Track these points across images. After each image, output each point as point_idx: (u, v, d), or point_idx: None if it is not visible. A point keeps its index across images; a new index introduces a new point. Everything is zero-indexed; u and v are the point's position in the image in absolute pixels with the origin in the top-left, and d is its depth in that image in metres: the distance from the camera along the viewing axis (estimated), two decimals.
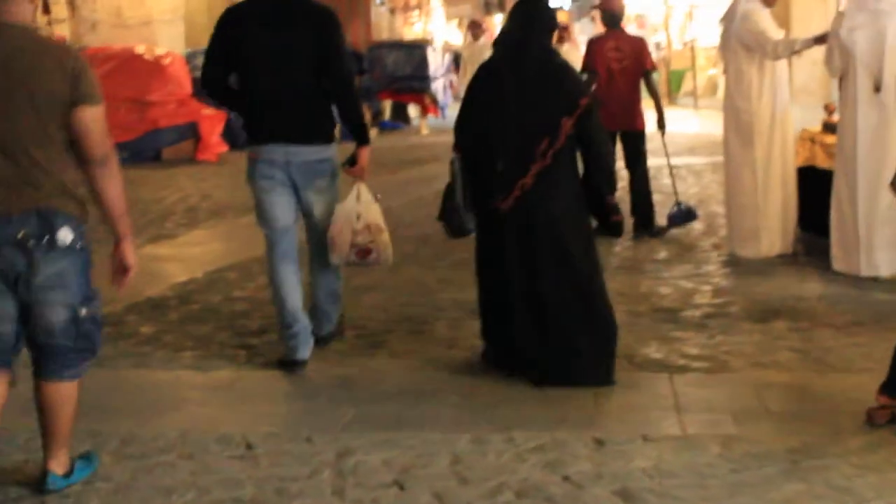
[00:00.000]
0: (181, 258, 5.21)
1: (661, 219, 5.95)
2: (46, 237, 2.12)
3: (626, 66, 5.19)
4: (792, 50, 4.48)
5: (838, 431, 2.54)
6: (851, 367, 3.10)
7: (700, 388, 2.96)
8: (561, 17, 10.16)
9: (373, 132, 3.24)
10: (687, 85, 16.38)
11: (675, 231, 5.41)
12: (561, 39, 6.63)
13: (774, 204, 4.68)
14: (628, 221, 5.19)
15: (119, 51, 9.83)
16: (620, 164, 5.24)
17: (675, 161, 8.76)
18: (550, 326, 2.93)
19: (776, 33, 4.53)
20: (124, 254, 2.25)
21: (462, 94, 9.95)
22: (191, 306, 4.08)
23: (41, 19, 9.73)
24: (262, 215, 3.20)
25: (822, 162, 4.90)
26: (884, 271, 4.12)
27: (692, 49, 16.20)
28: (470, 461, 2.45)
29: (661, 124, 5.41)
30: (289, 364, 3.19)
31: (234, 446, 2.58)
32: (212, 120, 9.70)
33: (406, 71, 12.12)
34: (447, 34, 19.28)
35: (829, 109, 5.09)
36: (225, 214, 6.55)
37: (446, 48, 15.77)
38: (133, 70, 9.39)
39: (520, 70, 2.93)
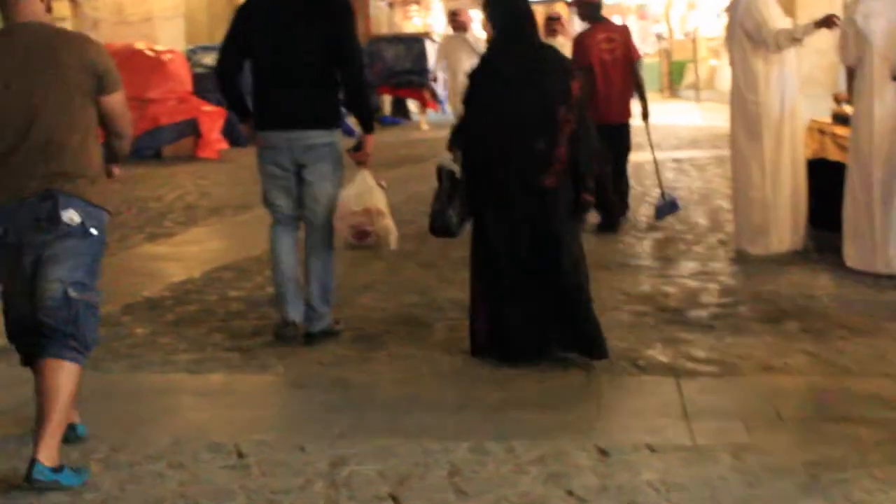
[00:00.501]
0: (179, 257, 5.12)
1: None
2: (55, 217, 2.27)
3: (617, 57, 5.12)
4: (793, 38, 4.35)
5: (858, 442, 2.43)
6: (868, 370, 2.99)
7: (709, 393, 2.85)
8: (559, 10, 9.95)
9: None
10: (689, 77, 16.21)
11: (678, 227, 5.31)
12: (554, 32, 6.47)
13: (783, 198, 4.56)
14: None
15: (119, 48, 9.73)
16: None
17: (678, 154, 8.74)
18: (560, 304, 3.01)
19: (781, 22, 4.40)
20: (113, 169, 2.50)
21: (439, 88, 9.55)
22: (187, 307, 4.00)
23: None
24: (268, 200, 3.36)
25: (832, 154, 4.77)
26: None
27: (694, 40, 16.02)
28: (468, 472, 2.35)
29: (645, 115, 5.31)
30: (281, 326, 3.36)
31: (225, 455, 2.49)
32: (212, 117, 9.62)
33: (405, 65, 12.00)
34: (446, 28, 19.13)
35: (838, 99, 4.96)
36: (224, 212, 6.47)
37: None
38: (133, 67, 9.28)
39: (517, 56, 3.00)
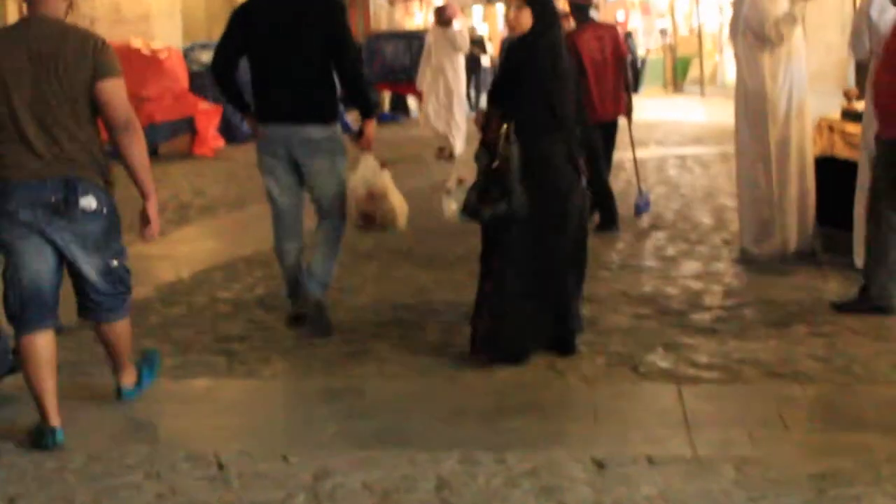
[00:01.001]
0: (169, 257, 5.01)
1: (665, 213, 5.70)
2: (73, 203, 2.44)
3: (607, 56, 5.09)
4: (792, 18, 4.19)
5: (869, 454, 2.30)
6: (879, 377, 2.86)
7: (711, 401, 2.73)
8: (562, 5, 9.76)
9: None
10: (693, 72, 16.04)
11: (680, 226, 5.20)
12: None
13: (791, 197, 4.42)
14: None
15: (116, 46, 9.55)
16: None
17: (682, 151, 8.61)
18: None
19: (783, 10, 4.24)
20: (149, 211, 2.59)
21: (422, 87, 9.35)
22: (173, 309, 3.89)
23: None
24: (268, 192, 3.43)
25: (841, 152, 4.62)
26: None
27: (699, 35, 15.85)
28: (457, 485, 2.23)
29: (628, 110, 5.26)
30: (292, 318, 3.47)
31: (204, 466, 2.39)
32: (208, 114, 9.53)
33: (404, 62, 11.88)
34: (474, 25, 18.99)
35: (849, 96, 4.81)
36: (217, 211, 6.37)
37: None
38: (129, 64, 9.07)
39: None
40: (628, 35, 14.43)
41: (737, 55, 4.50)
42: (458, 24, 8.29)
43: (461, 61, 8.19)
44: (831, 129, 4.75)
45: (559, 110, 2.99)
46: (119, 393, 2.80)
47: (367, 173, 3.41)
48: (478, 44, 14.30)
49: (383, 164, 3.40)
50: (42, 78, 2.44)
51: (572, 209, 3.04)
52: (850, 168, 4.31)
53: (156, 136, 9.34)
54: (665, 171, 7.44)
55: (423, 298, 3.92)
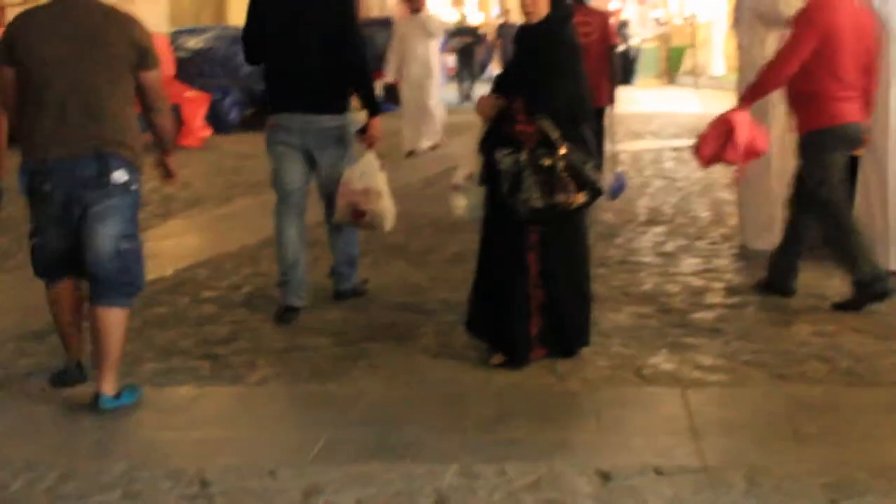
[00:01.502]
0: (151, 253, 4.80)
1: (663, 207, 5.61)
2: (105, 176, 2.56)
3: (593, 41, 4.95)
4: None
5: (880, 460, 2.21)
6: (884, 379, 2.77)
7: (718, 406, 2.62)
8: None
9: (362, 115, 3.63)
10: (687, 62, 15.94)
11: (679, 220, 5.10)
12: None
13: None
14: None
15: None
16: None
17: (678, 143, 8.50)
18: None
19: None
20: (168, 163, 2.82)
21: (389, 77, 9.00)
22: (155, 309, 3.73)
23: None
24: (276, 179, 3.49)
25: None
26: None
27: (693, 25, 15.73)
28: (457, 501, 2.12)
29: (611, 99, 5.20)
30: (281, 312, 3.46)
31: (186, 483, 2.25)
32: (195, 103, 9.29)
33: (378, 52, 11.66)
34: (440, 12, 18.77)
35: None
36: (203, 204, 6.19)
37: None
38: None
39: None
40: (623, 24, 14.29)
41: (740, 46, 4.38)
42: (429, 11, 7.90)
43: (436, 48, 7.88)
44: None
45: (580, 121, 2.82)
46: (97, 400, 2.65)
47: (367, 170, 3.37)
48: (471, 33, 14.12)
49: (382, 165, 3.40)
50: (84, 58, 2.55)
51: (570, 227, 2.88)
52: (850, 161, 4.21)
53: (140, 125, 9.12)
54: (661, 163, 7.34)
55: (417, 298, 3.78)
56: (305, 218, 3.52)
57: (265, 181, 7.10)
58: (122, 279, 2.64)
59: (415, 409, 2.66)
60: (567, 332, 2.92)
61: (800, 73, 3.35)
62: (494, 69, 15.69)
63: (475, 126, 2.99)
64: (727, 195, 5.79)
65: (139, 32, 2.63)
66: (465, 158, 3.02)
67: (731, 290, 3.78)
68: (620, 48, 13.23)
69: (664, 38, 17.04)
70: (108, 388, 2.66)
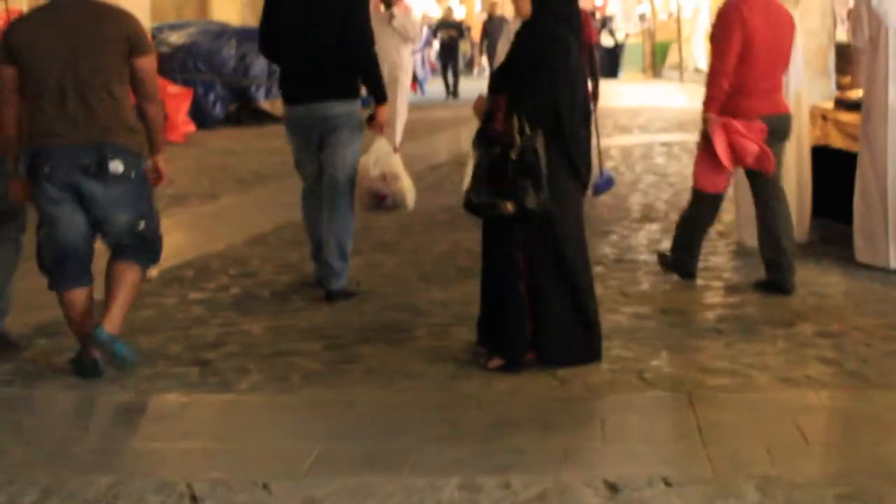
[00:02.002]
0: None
1: (656, 203, 5.56)
2: (104, 166, 2.68)
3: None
4: None
5: (892, 467, 2.15)
6: (893, 381, 2.71)
7: (725, 411, 2.56)
8: None
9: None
10: (672, 57, 15.94)
11: (673, 217, 5.02)
12: None
13: (787, 188, 4.25)
14: None
15: None
16: None
17: (666, 138, 8.47)
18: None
19: None
20: (157, 163, 2.88)
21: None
22: (141, 312, 3.59)
23: None
24: (297, 168, 3.69)
25: (836, 141, 4.50)
26: None
27: (678, 20, 15.73)
28: None
29: (594, 96, 5.16)
30: (325, 294, 3.62)
31: (175, 498, 2.15)
32: (178, 98, 9.12)
33: None
34: (426, 6, 18.61)
35: (843, 84, 4.67)
36: (188, 201, 6.04)
37: (425, 21, 15.15)
38: None
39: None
40: (608, 19, 14.24)
41: None
42: (403, 13, 7.39)
43: (408, 51, 7.59)
44: (825, 118, 4.62)
45: (566, 119, 2.74)
46: (95, 328, 2.78)
47: (380, 156, 3.59)
48: (455, 28, 13.98)
49: (395, 149, 3.72)
50: (81, 53, 2.70)
51: (562, 236, 2.79)
52: (845, 157, 4.18)
53: None
54: (652, 158, 7.29)
55: (410, 298, 3.69)
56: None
57: (250, 178, 7.08)
58: (143, 249, 2.87)
59: (412, 416, 2.57)
60: (549, 338, 2.79)
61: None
62: (479, 64, 15.59)
63: (463, 122, 2.91)
64: None
65: (131, 23, 2.78)
66: (471, 159, 2.98)
67: (730, 289, 3.73)
68: (609, 43, 13.19)
69: (649, 34, 17.05)
70: (109, 325, 2.77)
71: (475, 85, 11.33)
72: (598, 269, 3.97)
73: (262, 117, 10.15)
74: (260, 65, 9.96)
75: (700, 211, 3.74)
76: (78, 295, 2.82)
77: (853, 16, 3.87)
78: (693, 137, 8.32)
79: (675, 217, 5.08)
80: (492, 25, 12.99)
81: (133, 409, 2.72)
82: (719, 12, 3.62)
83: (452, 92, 13.14)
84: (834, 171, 4.28)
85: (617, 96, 11.91)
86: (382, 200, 3.60)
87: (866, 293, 3.56)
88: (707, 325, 3.29)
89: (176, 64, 9.83)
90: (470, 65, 16.56)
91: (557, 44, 2.78)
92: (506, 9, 11.94)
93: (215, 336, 3.31)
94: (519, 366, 2.81)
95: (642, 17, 17.98)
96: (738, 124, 3.47)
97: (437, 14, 17.85)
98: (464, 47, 14.77)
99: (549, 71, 2.74)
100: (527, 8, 2.82)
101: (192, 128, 9.24)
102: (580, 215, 2.87)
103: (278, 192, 6.35)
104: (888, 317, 3.26)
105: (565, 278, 2.80)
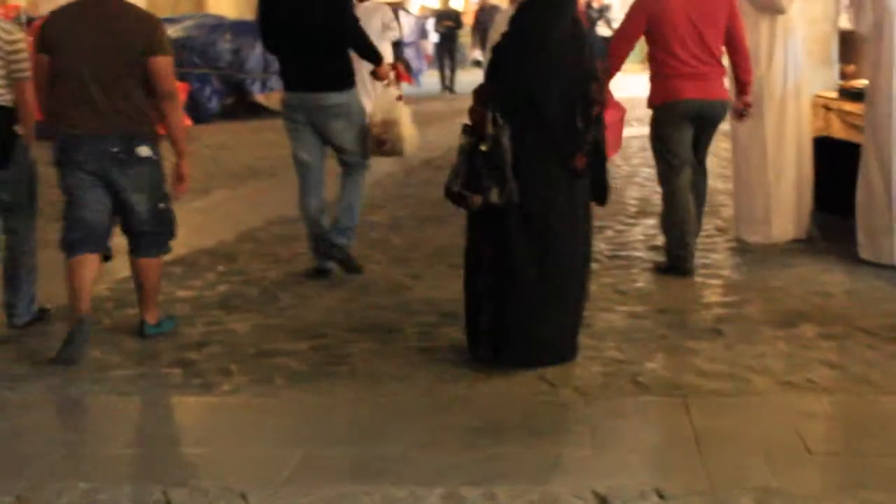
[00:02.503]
0: (124, 250, 4.61)
1: (653, 197, 5.44)
2: (132, 152, 2.94)
3: None
4: None
5: None
6: None
7: (722, 417, 2.45)
8: None
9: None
10: None
11: None
12: None
13: (787, 182, 4.17)
14: None
15: None
16: None
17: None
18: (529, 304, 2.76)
19: None
20: (181, 168, 3.10)
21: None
22: (127, 310, 3.51)
23: None
24: (293, 153, 3.82)
25: (838, 132, 4.38)
26: None
27: None
28: None
29: None
30: (319, 271, 3.83)
31: None
32: None
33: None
34: None
35: (846, 73, 4.56)
36: (180, 197, 5.93)
37: (423, 11, 14.99)
38: None
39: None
40: (604, 9, 14.04)
41: None
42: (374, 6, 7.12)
43: (387, 45, 7.44)
44: (827, 107, 4.50)
45: (541, 102, 2.65)
46: (143, 326, 3.17)
47: (384, 103, 3.86)
48: (452, 18, 13.79)
49: (399, 97, 3.85)
50: (106, 49, 2.92)
51: (553, 224, 2.70)
52: (847, 149, 4.07)
53: None
54: (649, 151, 7.15)
55: (399, 297, 3.60)
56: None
57: (243, 172, 6.99)
58: (161, 230, 3.10)
59: (396, 421, 2.48)
60: (514, 335, 2.71)
61: (650, 55, 3.82)
62: (473, 54, 15.39)
63: (458, 116, 2.83)
64: (719, 184, 5.64)
65: (151, 24, 3.00)
66: None
67: (728, 288, 3.63)
68: (607, 34, 12.98)
69: None
70: (151, 318, 3.18)
71: (474, 79, 11.18)
72: (592, 266, 3.86)
73: (257, 111, 10.05)
74: (255, 58, 9.86)
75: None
76: (84, 260, 3.01)
77: (855, 1, 3.75)
78: None
79: None
80: (483, 14, 12.80)
81: (112, 412, 2.63)
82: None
83: (448, 87, 12.93)
84: (836, 163, 4.17)
85: (614, 88, 11.68)
86: (382, 145, 3.79)
87: (871, 292, 3.45)
88: (705, 324, 3.19)
89: (173, 59, 9.72)
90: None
91: (539, 27, 2.70)
92: None
93: (200, 335, 3.23)
94: (475, 354, 2.77)
95: None
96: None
97: (435, 5, 17.67)
98: (466, 39, 14.55)
99: (523, 53, 2.67)
100: None
101: (188, 123, 9.13)
102: (576, 206, 2.74)
103: (271, 188, 6.26)
104: (894, 317, 3.16)
105: (547, 274, 2.71)
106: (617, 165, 6.23)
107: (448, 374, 2.77)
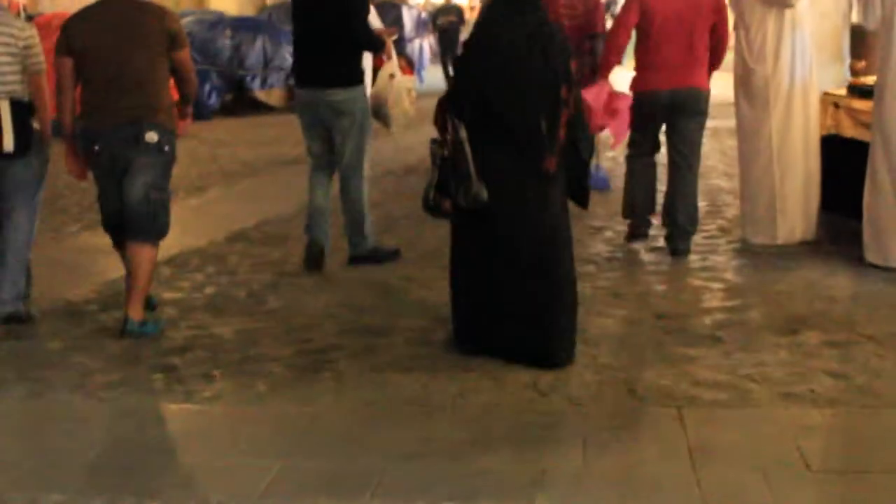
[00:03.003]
0: (112, 249, 4.54)
1: (657, 195, 5.32)
2: (141, 137, 3.08)
3: (576, 25, 4.69)
4: None
5: None
6: None
7: (719, 430, 2.35)
8: None
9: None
10: None
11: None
12: None
13: (794, 182, 4.05)
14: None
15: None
16: None
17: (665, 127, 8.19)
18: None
19: None
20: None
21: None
22: (112, 313, 3.43)
23: None
24: (306, 146, 4.01)
25: (847, 130, 4.27)
26: None
27: None
28: None
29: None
30: (306, 250, 3.94)
31: None
32: (172, 90, 8.95)
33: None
34: None
35: (856, 69, 4.43)
36: (175, 195, 5.80)
37: (425, 6, 14.88)
38: None
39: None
40: (610, 4, 13.89)
41: (737, 26, 4.09)
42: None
43: (369, 60, 7.54)
44: (837, 105, 4.38)
45: (495, 103, 2.62)
46: (125, 322, 3.13)
47: (380, 81, 4.06)
48: (454, 13, 13.66)
49: (391, 76, 4.02)
50: (125, 46, 3.08)
51: (533, 216, 2.67)
52: (856, 148, 3.95)
53: None
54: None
55: (389, 299, 3.51)
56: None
57: (240, 170, 6.90)
58: (151, 221, 3.15)
59: (379, 431, 2.39)
60: (497, 333, 2.74)
61: (636, 44, 3.92)
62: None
63: None
64: (723, 183, 5.53)
65: (170, 21, 3.16)
66: None
67: (730, 292, 3.51)
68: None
69: None
70: (135, 313, 3.14)
71: None
72: (588, 268, 3.78)
73: (257, 107, 9.98)
74: (255, 55, 9.79)
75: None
76: (128, 251, 3.21)
77: None
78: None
79: None
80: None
81: (89, 418, 2.55)
82: None
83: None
84: (845, 162, 4.05)
85: (620, 84, 11.59)
86: (375, 117, 3.98)
87: (877, 297, 3.33)
88: (704, 331, 3.08)
89: None
90: None
91: (492, 30, 2.67)
92: None
93: (185, 339, 3.15)
94: (462, 345, 2.80)
95: None
96: (609, 90, 3.90)
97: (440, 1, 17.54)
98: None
99: (477, 57, 2.66)
100: None
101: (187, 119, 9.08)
102: (547, 206, 2.69)
103: (266, 185, 6.18)
104: None
105: (527, 273, 2.66)
106: (618, 164, 6.11)
107: (435, 382, 2.68)
